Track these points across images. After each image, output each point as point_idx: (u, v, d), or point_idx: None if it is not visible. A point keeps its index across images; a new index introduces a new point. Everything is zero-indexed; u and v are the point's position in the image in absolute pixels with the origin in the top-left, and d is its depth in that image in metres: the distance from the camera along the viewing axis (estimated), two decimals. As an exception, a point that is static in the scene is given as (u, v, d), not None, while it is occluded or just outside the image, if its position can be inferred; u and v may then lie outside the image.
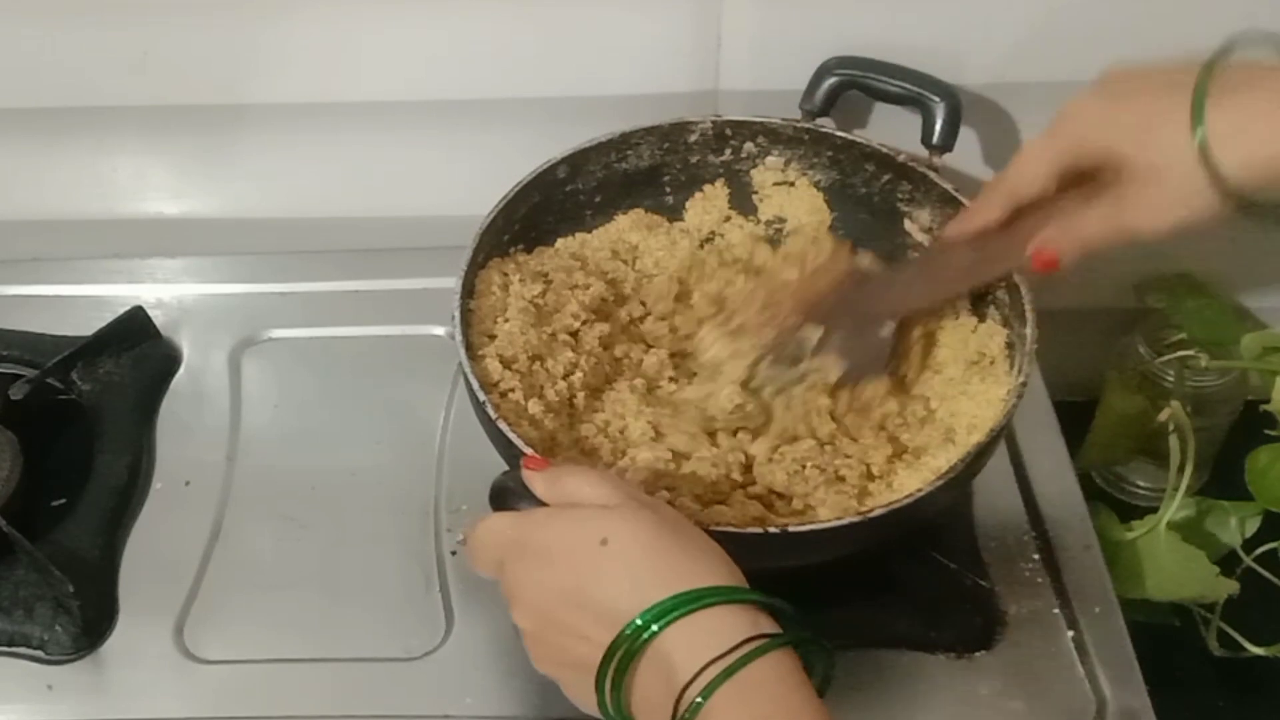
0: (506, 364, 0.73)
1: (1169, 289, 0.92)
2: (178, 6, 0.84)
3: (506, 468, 0.64)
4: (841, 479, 0.70)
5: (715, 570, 0.53)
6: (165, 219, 0.97)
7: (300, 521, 0.79)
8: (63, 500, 0.79)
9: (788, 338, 0.74)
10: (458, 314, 0.73)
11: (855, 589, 0.73)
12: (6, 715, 0.71)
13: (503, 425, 0.67)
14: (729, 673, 0.49)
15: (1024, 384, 0.68)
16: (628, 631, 0.51)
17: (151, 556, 0.77)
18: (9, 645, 0.73)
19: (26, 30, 0.86)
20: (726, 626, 0.51)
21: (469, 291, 0.75)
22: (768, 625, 0.51)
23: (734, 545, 0.60)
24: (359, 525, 0.79)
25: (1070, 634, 0.72)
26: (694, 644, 0.50)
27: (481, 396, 0.69)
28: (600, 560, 0.53)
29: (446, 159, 0.92)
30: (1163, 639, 0.80)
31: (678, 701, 0.50)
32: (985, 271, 0.73)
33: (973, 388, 0.73)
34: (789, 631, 0.52)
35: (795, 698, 0.50)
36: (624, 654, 0.51)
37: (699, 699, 0.49)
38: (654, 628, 0.51)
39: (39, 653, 0.73)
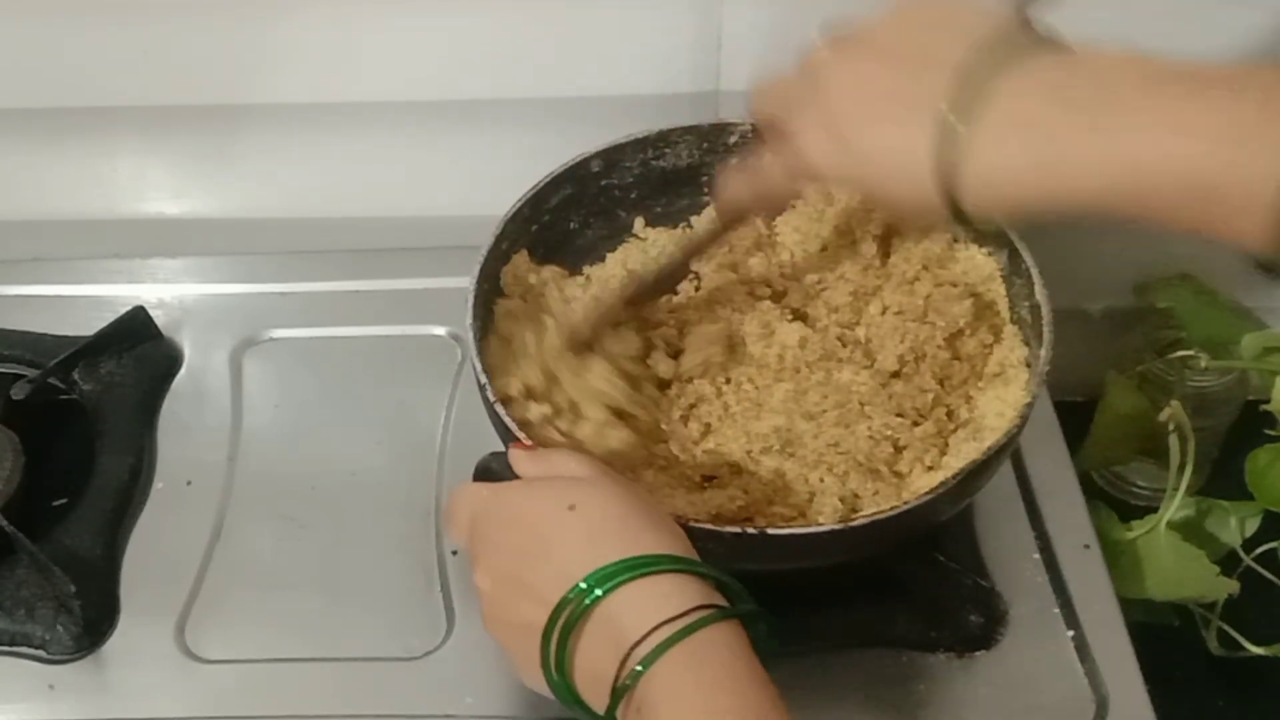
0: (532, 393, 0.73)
1: (1169, 289, 0.92)
2: (178, 6, 0.84)
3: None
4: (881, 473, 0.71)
5: (672, 545, 0.54)
6: (166, 219, 0.97)
7: (301, 521, 0.79)
8: (64, 500, 0.80)
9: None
10: (471, 299, 0.73)
11: (855, 589, 0.73)
12: (8, 715, 0.71)
13: (499, 409, 0.67)
14: (674, 640, 0.50)
15: (1030, 404, 0.68)
16: (573, 592, 0.52)
17: (153, 556, 0.78)
18: (10, 645, 0.73)
19: (27, 30, 0.86)
20: (676, 593, 0.51)
21: (486, 279, 0.75)
22: (717, 598, 0.52)
23: (715, 544, 0.61)
24: (360, 525, 0.79)
25: (1070, 634, 0.72)
26: (643, 607, 0.51)
27: (483, 379, 0.69)
28: (564, 523, 0.54)
29: (447, 159, 0.92)
30: (1163, 639, 0.80)
31: (621, 666, 0.50)
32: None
33: (994, 391, 0.73)
34: (737, 607, 0.53)
35: (742, 668, 0.50)
36: (571, 613, 0.52)
37: (639, 667, 0.50)
38: (598, 592, 0.51)
39: (40, 652, 0.73)
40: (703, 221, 0.84)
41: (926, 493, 0.64)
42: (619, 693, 0.50)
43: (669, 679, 0.50)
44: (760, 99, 0.65)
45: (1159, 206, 0.49)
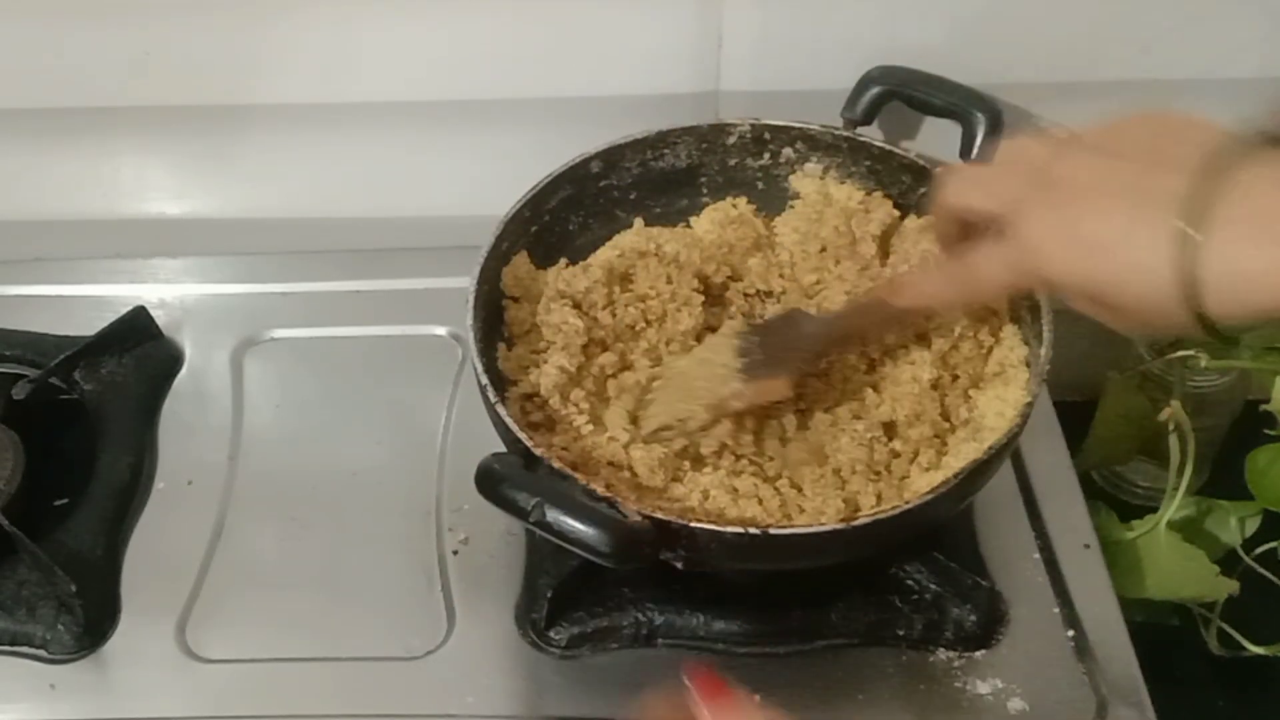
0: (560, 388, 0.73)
1: (1169, 289, 0.92)
2: (180, 7, 0.85)
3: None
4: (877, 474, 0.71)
5: None
6: (167, 219, 0.97)
7: (302, 521, 0.79)
8: (65, 500, 0.80)
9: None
10: (471, 299, 0.73)
11: (855, 589, 0.73)
12: (9, 715, 0.71)
13: (500, 410, 0.67)
14: None
15: (1030, 404, 0.68)
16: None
17: (154, 556, 0.78)
18: (11, 645, 0.73)
19: (29, 31, 0.86)
20: None
21: (486, 280, 0.75)
22: None
23: (717, 544, 0.61)
24: (360, 525, 0.79)
25: (1070, 634, 0.72)
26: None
27: (484, 380, 0.69)
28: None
29: (448, 159, 0.92)
30: (1163, 639, 0.80)
31: None
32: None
33: (993, 390, 0.74)
34: None
35: None
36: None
37: None
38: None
39: (41, 652, 0.73)
40: (834, 295, 0.79)
41: (927, 492, 0.64)
42: None
43: None
44: (963, 189, 0.62)
45: None
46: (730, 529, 0.63)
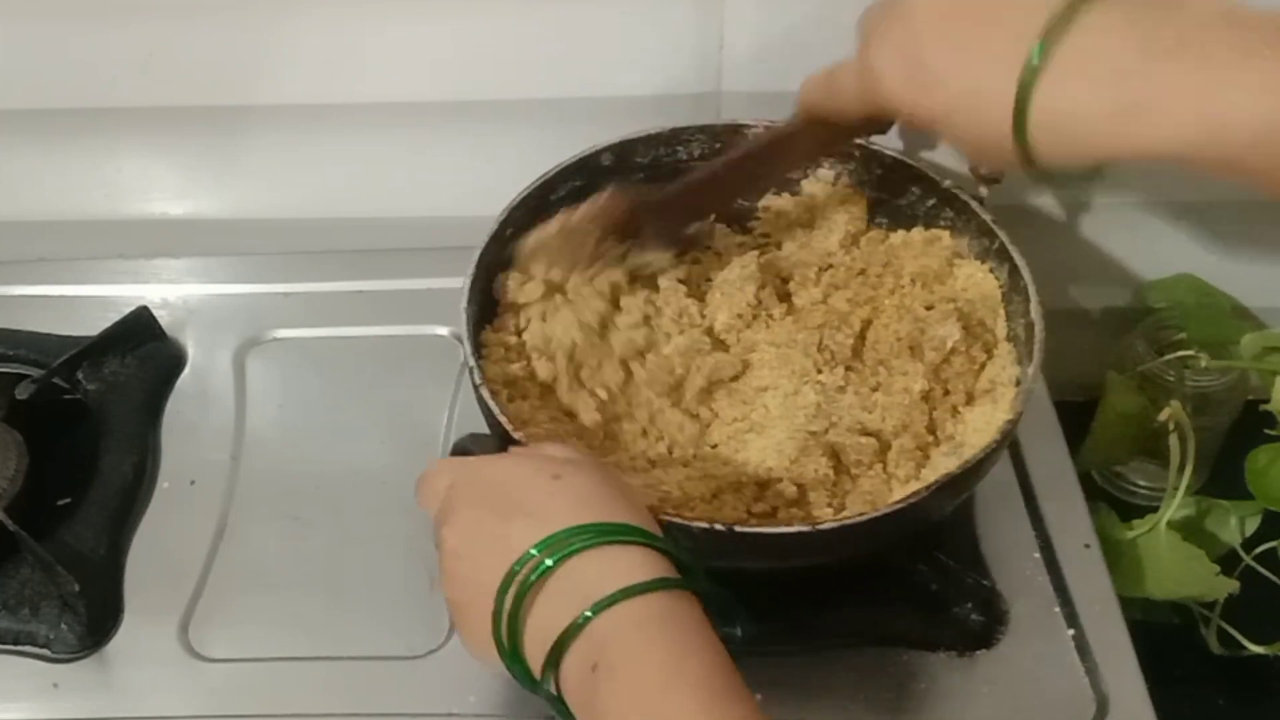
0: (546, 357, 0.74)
1: (1169, 289, 0.92)
2: (183, 7, 0.85)
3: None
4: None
5: (644, 524, 0.54)
6: (170, 219, 0.98)
7: (304, 520, 0.80)
8: (68, 499, 0.80)
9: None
10: (467, 287, 0.73)
11: (856, 588, 0.73)
12: (12, 714, 0.71)
13: (486, 392, 0.68)
14: (633, 591, 0.50)
15: (1013, 423, 0.67)
16: (542, 546, 0.52)
17: (157, 555, 0.78)
18: (14, 644, 0.73)
19: (32, 31, 0.86)
20: (644, 563, 0.52)
21: (484, 267, 0.75)
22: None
23: (719, 543, 0.61)
24: (363, 524, 0.79)
25: (1070, 633, 0.72)
26: (610, 568, 0.51)
27: (478, 379, 0.69)
28: (546, 490, 0.55)
29: (449, 160, 0.93)
30: (1163, 638, 0.80)
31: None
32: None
33: (981, 408, 0.73)
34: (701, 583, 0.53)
35: (705, 638, 0.50)
36: (535, 566, 0.52)
37: (588, 613, 0.50)
38: (574, 545, 0.52)
39: (44, 651, 0.73)
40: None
41: (897, 502, 0.64)
42: (563, 640, 0.50)
43: (632, 638, 0.50)
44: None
45: (1253, 168, 0.47)
46: (735, 528, 0.62)
